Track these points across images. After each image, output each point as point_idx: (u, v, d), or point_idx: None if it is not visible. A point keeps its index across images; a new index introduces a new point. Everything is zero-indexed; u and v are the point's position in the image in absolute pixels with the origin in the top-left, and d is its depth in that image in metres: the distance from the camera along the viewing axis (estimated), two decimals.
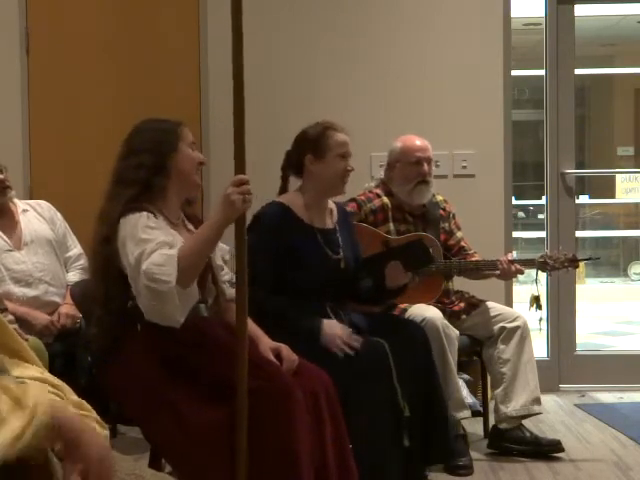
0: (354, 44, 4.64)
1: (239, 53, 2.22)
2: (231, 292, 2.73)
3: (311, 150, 3.15)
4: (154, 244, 2.39)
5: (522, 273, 3.73)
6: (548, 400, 4.50)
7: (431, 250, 3.20)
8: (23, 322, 3.29)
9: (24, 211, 3.61)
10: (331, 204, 3.30)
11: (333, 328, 2.94)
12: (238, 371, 2.29)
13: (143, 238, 2.41)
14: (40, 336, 3.32)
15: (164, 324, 2.43)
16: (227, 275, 2.75)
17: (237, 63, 2.22)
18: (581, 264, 3.97)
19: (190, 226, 2.71)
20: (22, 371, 1.57)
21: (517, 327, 3.69)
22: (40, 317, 3.36)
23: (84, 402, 1.62)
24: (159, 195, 2.59)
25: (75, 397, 1.62)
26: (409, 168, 3.73)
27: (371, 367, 2.87)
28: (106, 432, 1.58)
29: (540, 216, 8.52)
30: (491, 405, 3.81)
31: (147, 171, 2.56)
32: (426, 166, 3.73)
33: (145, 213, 2.48)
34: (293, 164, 3.22)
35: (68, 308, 3.41)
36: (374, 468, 2.79)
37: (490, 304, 3.81)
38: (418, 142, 3.78)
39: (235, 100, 2.24)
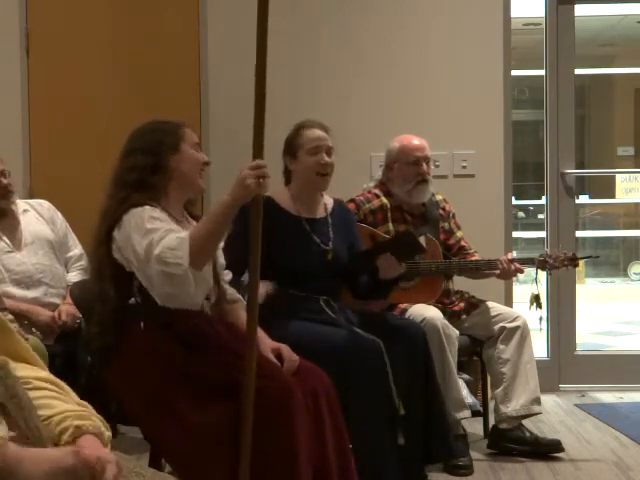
0: (354, 44, 4.64)
1: (263, 38, 2.20)
2: (232, 292, 2.74)
3: (287, 152, 3.23)
4: (162, 231, 2.39)
5: (522, 272, 3.73)
6: (548, 400, 4.51)
7: (422, 238, 3.20)
8: (25, 319, 3.30)
9: (25, 211, 3.61)
10: (327, 198, 3.31)
11: None
12: (246, 369, 2.29)
13: (149, 228, 2.41)
14: (42, 334, 3.32)
15: (182, 307, 2.44)
16: (229, 275, 2.75)
17: (261, 44, 2.21)
18: (581, 263, 3.97)
19: (194, 223, 2.70)
20: (28, 372, 1.58)
21: (517, 327, 3.69)
22: (42, 314, 3.36)
23: (86, 403, 1.63)
24: (161, 194, 2.59)
25: (78, 399, 1.63)
26: (408, 168, 3.72)
27: (367, 366, 2.87)
28: (109, 433, 1.58)
29: (540, 216, 8.53)
30: (491, 405, 3.81)
31: (140, 172, 2.56)
32: (425, 166, 3.73)
33: (148, 207, 2.49)
34: (284, 168, 3.27)
35: (68, 307, 3.40)
36: (372, 467, 2.80)
37: (490, 304, 3.81)
38: (416, 141, 3.77)
39: (257, 84, 2.23)
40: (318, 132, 3.19)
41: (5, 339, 1.60)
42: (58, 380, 1.63)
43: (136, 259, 2.43)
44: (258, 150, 2.29)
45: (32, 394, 1.52)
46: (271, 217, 3.06)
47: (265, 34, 2.21)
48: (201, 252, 2.36)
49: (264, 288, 3.01)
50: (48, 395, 1.55)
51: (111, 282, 2.51)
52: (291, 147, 3.21)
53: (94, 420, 1.54)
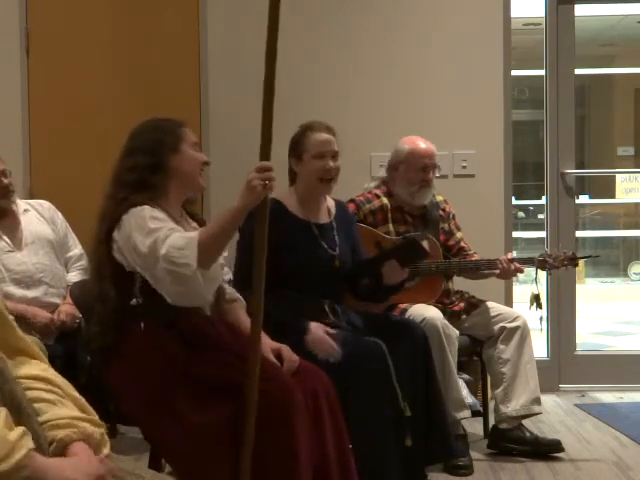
0: (354, 44, 4.64)
1: (274, 42, 2.21)
2: (232, 291, 2.73)
3: (293, 153, 3.21)
4: (166, 230, 2.39)
5: (522, 272, 3.73)
6: (548, 400, 4.51)
7: (425, 243, 3.20)
8: (23, 320, 3.29)
9: (25, 211, 3.61)
10: (330, 201, 3.30)
11: (319, 331, 2.94)
12: (249, 372, 2.29)
13: (152, 228, 2.40)
14: (40, 335, 3.32)
15: (192, 305, 2.44)
16: (228, 274, 2.75)
17: (270, 47, 2.22)
18: (581, 263, 3.97)
19: (194, 224, 2.70)
20: (25, 370, 1.57)
21: (517, 327, 3.69)
22: (40, 315, 3.35)
23: (82, 399, 1.62)
24: (160, 193, 2.59)
25: (75, 393, 1.62)
26: (414, 173, 3.71)
27: (369, 368, 2.86)
28: (101, 430, 1.57)
29: (540, 216, 8.53)
30: (491, 405, 3.81)
31: (141, 172, 2.56)
32: (431, 173, 3.73)
33: (147, 207, 2.48)
34: (289, 168, 3.26)
35: (68, 307, 3.40)
36: (374, 468, 2.79)
37: (490, 304, 3.81)
38: (426, 147, 3.75)
39: (265, 88, 2.24)
40: (325, 136, 3.17)
41: (2, 330, 1.59)
42: (52, 376, 1.61)
43: (140, 259, 2.42)
44: (265, 153, 2.30)
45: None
46: (281, 222, 3.06)
47: (275, 44, 2.22)
48: (209, 255, 2.35)
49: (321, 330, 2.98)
50: (39, 397, 1.54)
51: (111, 282, 2.51)
52: (296, 148, 3.19)
53: (77, 425, 1.53)
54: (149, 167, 2.56)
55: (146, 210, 2.46)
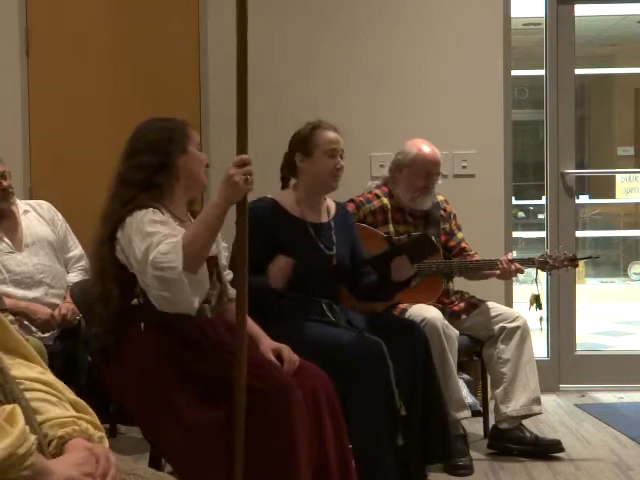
0: (354, 43, 4.64)
1: (244, 36, 2.20)
2: (233, 292, 2.73)
3: (300, 148, 3.20)
4: (160, 236, 2.38)
5: (522, 272, 3.73)
6: (548, 400, 4.50)
7: (435, 240, 3.20)
8: (24, 316, 3.30)
9: (25, 212, 3.61)
10: (329, 202, 3.31)
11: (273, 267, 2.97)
12: (236, 370, 2.29)
13: (149, 232, 2.40)
14: (41, 332, 3.32)
15: (179, 312, 2.43)
16: (229, 275, 2.75)
17: (241, 43, 2.20)
18: (581, 264, 3.97)
19: None
20: (24, 372, 1.57)
21: (517, 327, 3.68)
22: (41, 311, 3.36)
23: (82, 402, 1.61)
24: (166, 193, 2.58)
25: (73, 396, 1.62)
26: (417, 178, 3.70)
27: (369, 367, 2.87)
28: (101, 434, 1.57)
29: (540, 216, 8.53)
30: (491, 405, 3.81)
31: (147, 171, 2.55)
32: (433, 181, 3.72)
33: (151, 209, 2.48)
34: (287, 164, 3.25)
35: (68, 305, 3.41)
36: (372, 467, 2.80)
37: (490, 304, 3.81)
38: (432, 155, 3.72)
39: (238, 79, 2.22)
40: (334, 134, 3.19)
41: (1, 333, 1.59)
42: (50, 378, 1.61)
43: (136, 262, 2.43)
44: (242, 146, 2.28)
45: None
46: (277, 221, 3.07)
47: (245, 24, 2.21)
48: (194, 256, 2.34)
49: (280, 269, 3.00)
50: (37, 397, 1.54)
51: (114, 282, 2.50)
52: (305, 144, 3.18)
53: (80, 424, 1.53)
54: (156, 167, 2.56)
55: (149, 213, 2.46)
